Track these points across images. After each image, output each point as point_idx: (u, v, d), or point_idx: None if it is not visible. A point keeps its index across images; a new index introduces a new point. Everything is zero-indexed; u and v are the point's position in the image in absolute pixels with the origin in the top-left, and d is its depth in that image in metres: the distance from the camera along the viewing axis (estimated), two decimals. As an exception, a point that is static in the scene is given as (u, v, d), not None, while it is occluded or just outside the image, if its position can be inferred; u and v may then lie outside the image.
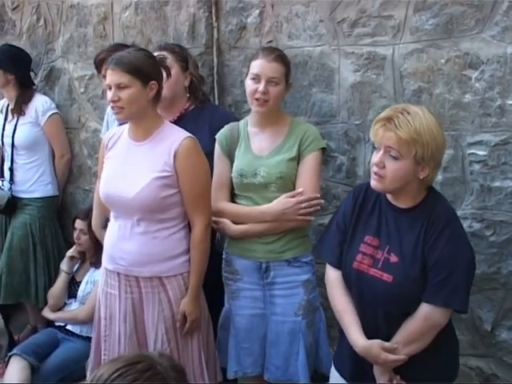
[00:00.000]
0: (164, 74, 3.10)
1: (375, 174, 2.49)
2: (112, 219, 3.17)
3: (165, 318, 3.07)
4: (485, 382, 3.33)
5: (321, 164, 3.25)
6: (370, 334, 2.55)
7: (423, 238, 2.48)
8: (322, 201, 3.21)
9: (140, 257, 3.03)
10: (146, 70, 2.96)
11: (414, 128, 2.39)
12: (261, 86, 3.10)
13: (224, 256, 3.32)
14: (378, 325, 2.55)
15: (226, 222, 3.22)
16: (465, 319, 3.27)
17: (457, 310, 2.52)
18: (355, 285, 2.61)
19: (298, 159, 3.15)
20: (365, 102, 3.43)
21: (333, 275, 2.71)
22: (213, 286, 3.25)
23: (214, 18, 3.90)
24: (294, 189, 3.15)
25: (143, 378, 1.52)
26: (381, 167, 2.46)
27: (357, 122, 3.47)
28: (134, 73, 2.92)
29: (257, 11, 3.74)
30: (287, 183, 3.15)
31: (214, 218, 3.22)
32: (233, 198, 3.28)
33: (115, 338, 3.13)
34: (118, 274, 3.10)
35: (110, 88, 2.96)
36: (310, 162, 3.15)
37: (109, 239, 3.16)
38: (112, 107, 2.99)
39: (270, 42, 3.69)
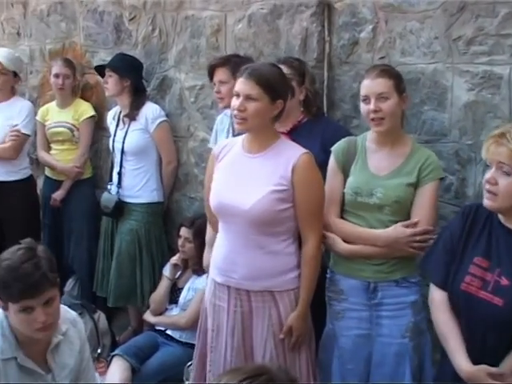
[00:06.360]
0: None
1: (487, 191, 2.46)
2: (222, 231, 3.17)
3: (274, 334, 3.06)
4: None
5: (438, 194, 3.17)
6: (476, 359, 2.49)
7: None
8: (435, 231, 3.06)
9: (252, 271, 3.04)
10: (277, 87, 2.98)
11: None
12: (371, 105, 3.06)
13: (328, 275, 3.28)
14: (486, 350, 2.49)
15: (336, 238, 3.18)
16: None
17: None
18: (463, 307, 2.55)
19: (415, 185, 3.08)
20: (478, 122, 3.34)
21: (438, 296, 2.66)
22: (317, 305, 3.22)
23: (326, 33, 3.89)
24: (408, 215, 3.09)
25: None
26: (493, 184, 2.44)
27: (469, 142, 3.38)
28: (266, 88, 2.95)
29: (370, 27, 3.71)
30: (402, 208, 3.08)
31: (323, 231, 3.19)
32: (341, 213, 3.24)
33: (221, 350, 3.14)
34: (228, 287, 3.11)
35: (238, 96, 2.98)
36: (429, 191, 3.07)
37: (219, 251, 3.16)
38: (235, 116, 3.02)
39: (383, 58, 3.66)
